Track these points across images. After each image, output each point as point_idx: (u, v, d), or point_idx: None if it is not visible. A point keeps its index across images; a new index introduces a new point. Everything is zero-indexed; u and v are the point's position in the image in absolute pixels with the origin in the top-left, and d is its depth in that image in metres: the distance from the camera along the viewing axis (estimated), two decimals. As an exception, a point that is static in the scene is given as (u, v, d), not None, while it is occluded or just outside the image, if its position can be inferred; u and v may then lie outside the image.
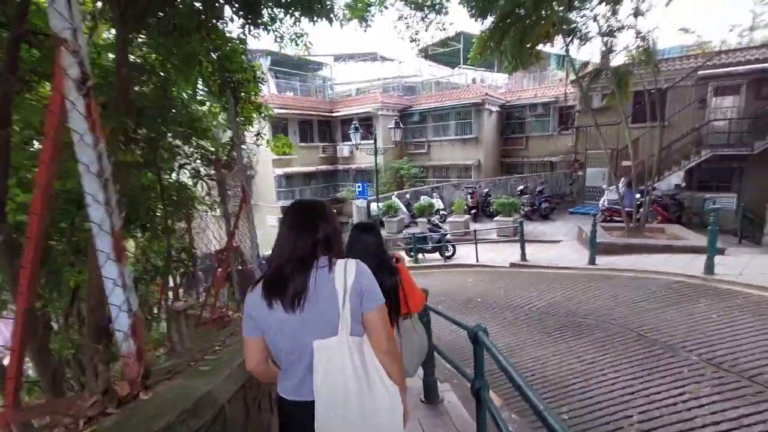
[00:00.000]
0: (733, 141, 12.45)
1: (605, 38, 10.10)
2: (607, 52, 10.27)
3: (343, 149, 21.30)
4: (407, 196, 16.60)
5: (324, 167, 21.55)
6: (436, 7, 11.11)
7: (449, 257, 10.43)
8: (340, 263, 1.26)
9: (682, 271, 6.23)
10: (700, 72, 13.07)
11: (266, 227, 20.53)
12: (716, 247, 5.97)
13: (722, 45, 16.55)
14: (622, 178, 13.29)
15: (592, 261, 7.47)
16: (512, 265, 8.58)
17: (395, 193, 16.70)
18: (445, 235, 10.39)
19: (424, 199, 15.23)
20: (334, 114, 21.35)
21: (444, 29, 11.50)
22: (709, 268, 5.87)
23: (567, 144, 18.00)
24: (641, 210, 9.71)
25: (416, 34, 10.35)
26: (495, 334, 5.14)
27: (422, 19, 10.81)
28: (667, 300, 5.18)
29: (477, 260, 9.50)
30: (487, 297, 6.82)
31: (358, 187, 13.74)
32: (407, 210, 16.02)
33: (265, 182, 20.08)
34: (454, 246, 10.56)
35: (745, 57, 13.10)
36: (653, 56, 9.74)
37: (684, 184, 12.75)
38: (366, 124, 20.21)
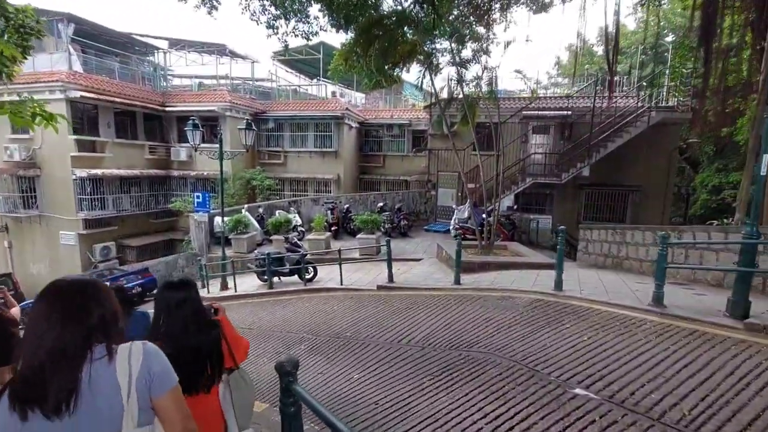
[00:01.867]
0: (546, 172, 14.90)
1: (457, 68, 10.66)
2: (459, 80, 10.86)
3: (180, 152, 17.85)
4: (260, 210, 14.66)
5: (152, 171, 17.58)
6: (298, 15, 10.10)
7: (310, 280, 9.16)
8: (122, 349, 1.16)
9: (538, 288, 6.48)
10: (523, 112, 15.36)
11: (58, 247, 15.40)
12: (562, 266, 6.39)
13: (538, 87, 20.17)
14: (468, 199, 14.45)
15: (457, 281, 7.32)
16: (380, 287, 7.87)
17: (246, 206, 14.54)
18: (305, 255, 9.10)
19: (279, 214, 13.61)
20: (167, 108, 17.74)
21: (307, 38, 10.58)
22: (558, 284, 6.23)
23: (420, 165, 18.98)
24: (486, 229, 10.44)
25: (275, 20, 9.04)
26: (375, 387, 4.15)
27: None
28: (537, 321, 5.11)
29: (341, 283, 8.50)
30: (357, 330, 5.83)
31: (197, 197, 11.25)
32: (260, 226, 14.08)
33: (58, 185, 15.06)
34: (315, 267, 9.35)
35: (554, 104, 16.05)
36: (494, 91, 10.74)
37: (516, 206, 14.57)
38: (210, 124, 17.40)
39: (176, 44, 20.22)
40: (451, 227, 13.59)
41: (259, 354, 5.66)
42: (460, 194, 16.14)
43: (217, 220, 13.86)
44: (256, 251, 10.33)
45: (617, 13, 9.55)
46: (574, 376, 3.61)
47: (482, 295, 6.46)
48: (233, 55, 20.22)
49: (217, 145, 9.97)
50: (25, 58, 4.70)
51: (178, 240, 18.11)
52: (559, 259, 6.28)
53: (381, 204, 15.29)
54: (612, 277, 7.24)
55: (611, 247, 8.56)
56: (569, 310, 5.40)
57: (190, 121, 9.35)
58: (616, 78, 14.91)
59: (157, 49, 20.51)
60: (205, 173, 17.45)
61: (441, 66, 11.73)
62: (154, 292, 13.72)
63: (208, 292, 10.53)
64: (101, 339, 1.14)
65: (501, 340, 4.66)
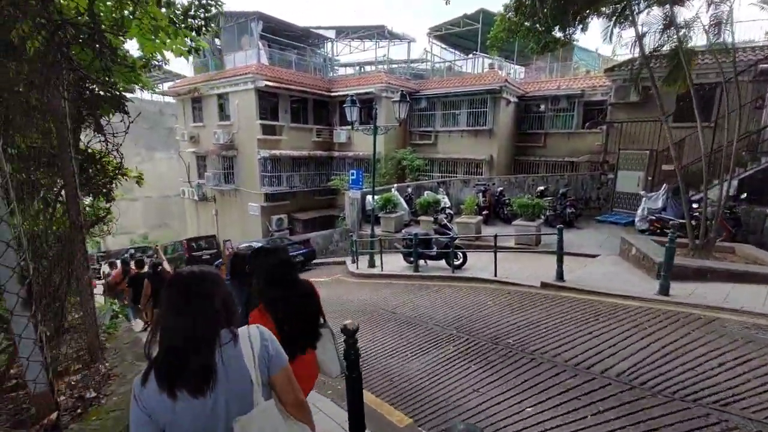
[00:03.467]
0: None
1: (669, 5, 7.88)
2: (668, 25, 8.06)
3: (340, 134, 19.07)
4: (409, 190, 14.42)
5: (317, 152, 19.32)
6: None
7: (458, 267, 8.28)
8: (242, 335, 1.29)
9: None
10: (761, 65, 10.96)
11: (246, 216, 18.33)
12: None
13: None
14: (664, 185, 11.17)
15: (664, 290, 5.33)
16: (545, 285, 6.44)
17: (395, 185, 14.51)
18: (455, 238, 8.22)
19: (428, 195, 13.06)
20: (332, 94, 19.09)
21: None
22: None
23: (594, 143, 15.84)
24: (703, 223, 7.61)
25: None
26: None
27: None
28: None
29: (495, 274, 7.35)
30: (522, 339, 4.66)
31: (352, 174, 11.55)
32: (408, 206, 13.85)
33: (248, 164, 17.83)
34: (464, 253, 8.40)
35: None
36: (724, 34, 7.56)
37: (744, 195, 10.60)
38: (368, 107, 17.98)
39: (342, 32, 21.58)
40: (637, 219, 10.77)
41: (403, 345, 5.09)
42: (651, 178, 12.73)
43: (369, 198, 14.20)
44: (403, 231, 10.01)
45: None
46: None
47: (713, 317, 4.45)
48: (391, 35, 20.44)
49: (372, 125, 9.85)
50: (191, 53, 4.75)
51: (335, 216, 19.63)
52: None
53: (541, 188, 13.20)
54: None
55: None
56: None
57: (349, 98, 9.39)
58: None
59: (327, 39, 22.28)
60: (361, 154, 18.23)
61: (639, 9, 8.99)
62: (312, 262, 15.18)
63: (357, 268, 10.75)
64: (224, 322, 1.27)
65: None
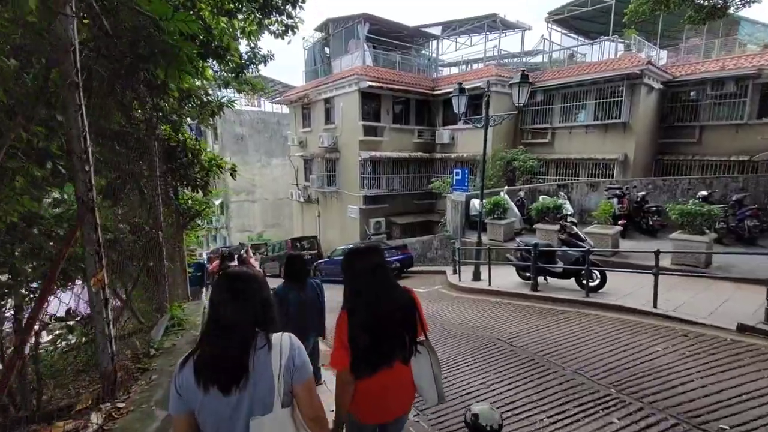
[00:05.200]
0: None
1: None
2: None
3: (443, 134, 17.96)
4: (521, 194, 12.64)
5: (418, 154, 18.50)
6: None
7: (594, 289, 6.47)
8: (275, 342, 1.35)
9: None
10: None
11: (345, 218, 18.33)
12: None
13: None
14: None
15: None
16: (744, 329, 4.39)
17: (505, 188, 12.84)
18: (590, 252, 6.41)
19: (544, 199, 11.15)
20: (436, 92, 18.12)
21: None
22: None
23: (781, 135, 11.96)
24: None
25: None
26: None
27: None
28: None
29: (655, 305, 5.42)
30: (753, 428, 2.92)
31: (456, 174, 10.34)
32: (519, 212, 12.09)
33: (349, 166, 17.83)
34: (603, 272, 6.55)
35: None
36: None
37: None
38: (475, 103, 16.55)
39: (449, 27, 20.51)
40: None
41: (534, 403, 3.70)
42: None
43: (474, 202, 12.79)
44: (517, 240, 8.45)
45: None
46: None
47: None
48: (504, 25, 18.69)
49: (481, 120, 8.55)
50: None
51: (434, 222, 18.54)
52: None
53: (704, 193, 10.21)
54: None
55: None
56: None
57: (457, 85, 8.25)
58: None
59: (433, 37, 21.43)
60: (465, 155, 16.86)
61: None
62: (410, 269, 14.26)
63: (459, 279, 9.47)
64: (261, 323, 1.34)
65: None
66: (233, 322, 1.27)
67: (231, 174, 5.53)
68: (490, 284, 8.38)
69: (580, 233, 7.05)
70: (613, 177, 14.38)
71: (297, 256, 3.36)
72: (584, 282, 6.52)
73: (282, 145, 31.01)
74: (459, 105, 8.70)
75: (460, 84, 8.58)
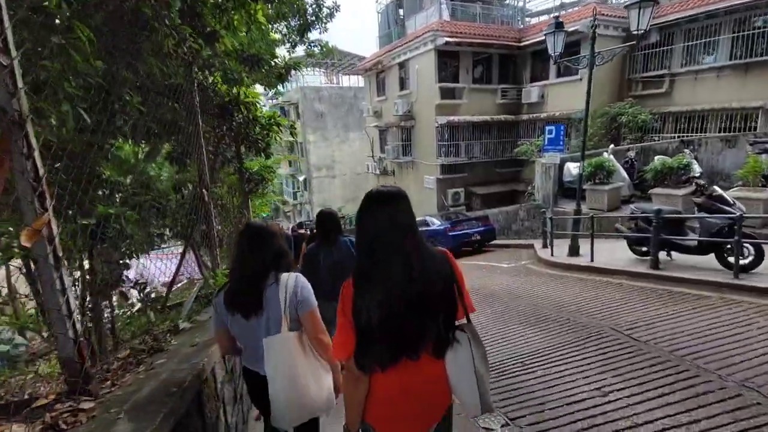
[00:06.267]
0: None
1: None
2: None
3: (531, 92, 15.91)
4: (630, 154, 10.61)
5: (502, 117, 16.72)
6: None
7: (745, 269, 4.89)
8: (283, 278, 1.68)
9: None
10: None
11: (421, 189, 17.52)
12: None
13: None
14: None
15: None
16: None
17: (610, 147, 10.86)
18: (741, 219, 4.77)
19: (657, 160, 9.09)
20: (522, 43, 15.99)
21: None
22: None
23: None
24: None
25: None
26: None
27: None
28: None
29: None
30: None
31: (549, 132, 8.86)
32: (628, 175, 10.17)
33: (425, 134, 16.82)
34: (759, 246, 4.90)
35: None
36: None
37: None
38: (571, 52, 14.23)
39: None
40: None
41: None
42: None
43: (569, 166, 11.09)
44: (631, 207, 6.85)
45: None
46: None
47: None
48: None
49: (578, 73, 6.93)
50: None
51: (519, 192, 16.83)
52: None
53: None
54: None
55: None
56: None
57: (553, 19, 6.78)
58: None
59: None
60: (557, 113, 14.73)
61: None
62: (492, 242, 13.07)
63: (552, 254, 8.20)
64: (274, 266, 1.68)
65: None
66: (249, 264, 1.63)
67: (291, 133, 5.10)
68: (592, 260, 7.03)
69: (725, 195, 5.34)
70: (755, 130, 11.35)
71: (327, 213, 3.13)
72: (730, 259, 4.96)
73: (358, 118, 30.94)
74: (555, 44, 7.21)
75: (557, 17, 7.04)
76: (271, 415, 1.64)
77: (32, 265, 2.56)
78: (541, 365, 3.57)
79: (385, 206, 1.25)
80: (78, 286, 2.63)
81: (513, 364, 3.68)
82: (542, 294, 5.89)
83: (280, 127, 4.89)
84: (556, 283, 6.40)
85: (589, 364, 3.45)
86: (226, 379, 2.17)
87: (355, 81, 33.40)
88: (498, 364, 3.74)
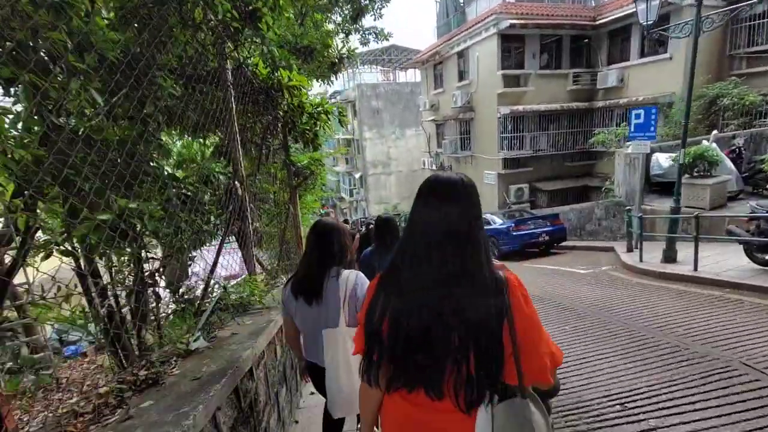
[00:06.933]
0: None
1: None
2: None
3: (608, 76, 14.19)
4: (738, 141, 8.91)
5: (573, 105, 15.15)
6: None
7: None
8: (344, 274, 1.79)
9: None
10: None
11: (481, 186, 16.47)
12: None
13: None
14: None
15: None
16: None
17: (713, 134, 9.20)
18: None
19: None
20: (598, 21, 14.30)
21: None
22: None
23: None
24: None
25: None
26: None
27: None
28: None
29: None
30: None
31: (636, 117, 7.62)
32: (735, 167, 8.53)
33: (485, 126, 15.75)
34: None
35: None
36: None
37: None
38: (661, 28, 12.39)
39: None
40: None
41: None
42: None
43: (658, 157, 9.62)
44: (751, 204, 5.50)
45: None
46: None
47: None
48: None
49: (666, 51, 5.70)
50: None
51: (591, 187, 15.17)
52: None
53: None
54: None
55: None
56: None
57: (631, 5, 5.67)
58: None
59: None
60: (640, 98, 12.93)
61: None
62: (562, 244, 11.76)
63: (641, 260, 7.00)
64: (337, 262, 1.81)
65: None
66: (315, 255, 1.80)
67: (340, 121, 4.65)
68: (695, 269, 5.81)
69: None
70: None
71: (384, 218, 3.01)
72: None
73: (415, 114, 30.35)
74: (647, 11, 6.04)
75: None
76: (327, 401, 1.81)
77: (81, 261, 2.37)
78: (649, 409, 2.75)
79: (438, 200, 1.03)
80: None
81: (609, 406, 2.88)
82: (634, 309, 4.89)
83: (329, 116, 4.47)
84: (651, 296, 5.32)
85: (718, 414, 2.58)
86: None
87: (412, 76, 32.78)
88: (588, 404, 2.97)
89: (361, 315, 1.10)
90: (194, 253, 3.08)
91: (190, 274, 3.12)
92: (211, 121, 2.66)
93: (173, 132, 3.15)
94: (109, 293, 2.46)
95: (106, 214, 2.38)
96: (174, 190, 2.69)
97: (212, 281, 2.64)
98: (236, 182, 2.78)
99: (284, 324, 2.00)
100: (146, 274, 2.62)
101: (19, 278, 2.46)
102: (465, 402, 0.94)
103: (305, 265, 1.82)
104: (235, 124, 2.80)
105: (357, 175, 31.85)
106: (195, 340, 1.89)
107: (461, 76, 17.11)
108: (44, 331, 3.10)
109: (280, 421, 2.48)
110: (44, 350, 2.91)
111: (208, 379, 1.55)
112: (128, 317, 2.46)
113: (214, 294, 2.42)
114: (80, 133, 1.95)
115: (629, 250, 7.97)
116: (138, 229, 2.39)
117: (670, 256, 6.58)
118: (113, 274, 2.55)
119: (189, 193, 2.73)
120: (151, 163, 2.75)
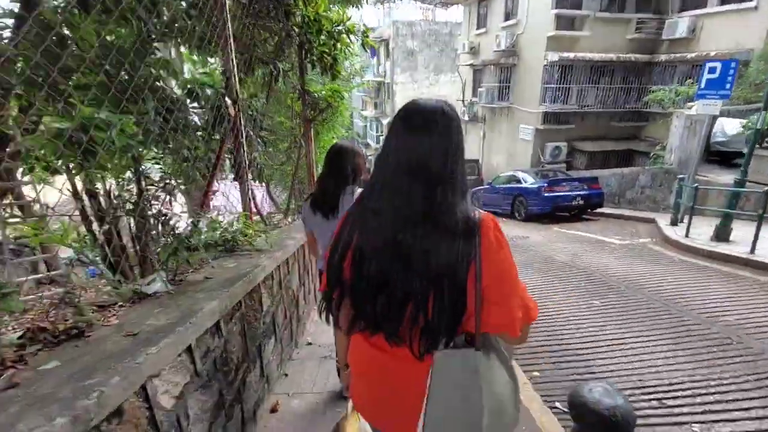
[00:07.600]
0: None
1: None
2: None
3: (677, 24, 12.33)
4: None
5: (631, 56, 13.43)
6: None
7: None
8: (358, 191, 1.86)
9: None
10: None
11: (515, 140, 15.42)
12: None
13: None
14: None
15: None
16: None
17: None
18: None
19: None
20: (679, -44, 12.19)
21: None
22: None
23: None
24: None
25: None
26: None
27: None
28: None
29: None
30: None
31: (711, 71, 6.50)
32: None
33: (529, 74, 14.34)
34: None
35: None
36: None
37: None
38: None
39: None
40: None
41: None
42: None
43: (723, 123, 8.48)
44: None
45: None
46: None
47: None
48: None
49: None
50: None
51: (638, 152, 13.88)
52: None
53: None
54: None
55: None
56: None
57: None
58: None
59: None
60: (713, 52, 11.24)
61: None
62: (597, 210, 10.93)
63: (687, 235, 6.30)
64: (351, 181, 1.94)
65: None
66: (333, 174, 1.94)
67: (362, 43, 3.99)
68: (752, 251, 5.12)
69: None
70: None
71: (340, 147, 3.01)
72: None
73: (452, 60, 28.26)
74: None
75: None
76: None
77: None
78: (693, 410, 2.33)
79: (412, 129, 0.89)
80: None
81: (645, 400, 2.48)
82: (677, 289, 4.34)
83: (350, 36, 3.81)
84: (698, 277, 4.73)
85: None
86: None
87: (452, 16, 30.11)
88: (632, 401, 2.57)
89: (326, 251, 1.01)
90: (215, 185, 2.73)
91: (211, 207, 2.81)
92: (197, 19, 2.13)
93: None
94: (91, 217, 2.14)
95: (64, 121, 1.97)
96: (153, 103, 2.25)
97: (200, 215, 2.27)
98: (227, 99, 2.30)
99: (306, 237, 2.20)
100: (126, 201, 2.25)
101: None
102: (420, 350, 0.89)
103: (322, 183, 1.98)
104: (229, 25, 2.26)
105: (385, 121, 30.66)
106: (149, 283, 1.54)
107: (508, 15, 15.36)
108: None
109: (263, 377, 2.20)
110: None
111: (148, 337, 1.19)
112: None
113: (188, 229, 2.05)
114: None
115: (674, 223, 7.22)
116: (103, 143, 1.99)
117: (723, 234, 5.85)
118: (91, 196, 2.20)
119: (171, 108, 2.28)
120: (158, 83, 2.31)
